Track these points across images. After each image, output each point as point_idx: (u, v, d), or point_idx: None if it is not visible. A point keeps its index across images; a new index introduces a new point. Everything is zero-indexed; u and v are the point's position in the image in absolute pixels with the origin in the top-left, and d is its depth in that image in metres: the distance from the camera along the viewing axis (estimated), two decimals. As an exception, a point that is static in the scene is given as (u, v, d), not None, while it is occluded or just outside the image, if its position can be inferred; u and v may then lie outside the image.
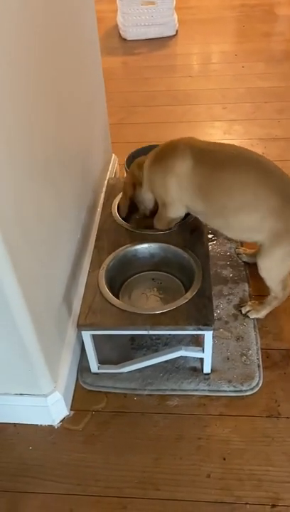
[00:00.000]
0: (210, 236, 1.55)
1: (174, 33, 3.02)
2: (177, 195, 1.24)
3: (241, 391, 1.17)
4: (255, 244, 1.29)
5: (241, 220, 1.18)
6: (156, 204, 1.34)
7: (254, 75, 2.55)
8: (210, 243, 1.53)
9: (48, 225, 1.07)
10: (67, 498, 1.03)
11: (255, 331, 1.30)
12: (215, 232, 1.59)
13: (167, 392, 1.19)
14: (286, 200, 1.12)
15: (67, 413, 1.16)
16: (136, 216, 1.40)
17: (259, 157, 1.19)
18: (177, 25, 3.03)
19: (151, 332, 1.13)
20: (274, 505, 1.00)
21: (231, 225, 1.22)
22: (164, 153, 1.24)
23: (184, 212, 1.30)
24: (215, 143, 1.26)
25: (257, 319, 1.33)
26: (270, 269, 1.22)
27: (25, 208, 0.93)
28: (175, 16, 3.01)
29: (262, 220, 1.14)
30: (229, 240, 1.56)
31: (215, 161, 1.18)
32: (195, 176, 1.19)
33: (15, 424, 1.16)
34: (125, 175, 1.42)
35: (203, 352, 1.16)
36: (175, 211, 1.29)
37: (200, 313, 1.10)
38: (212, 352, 1.18)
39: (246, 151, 1.20)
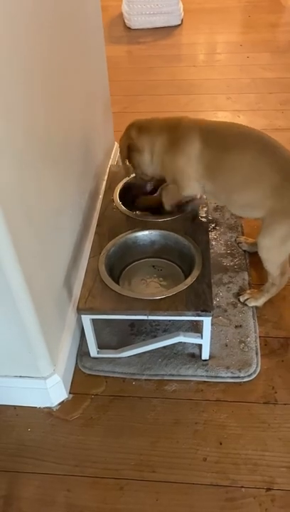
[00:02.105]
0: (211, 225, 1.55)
1: (179, 22, 3.00)
2: (194, 176, 1.24)
3: (238, 377, 1.18)
4: (255, 234, 1.29)
5: (244, 196, 1.19)
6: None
7: (258, 66, 2.53)
8: (210, 232, 1.54)
9: (50, 208, 1.08)
10: (65, 479, 1.05)
11: (254, 319, 1.31)
12: (215, 221, 1.59)
13: (165, 377, 1.20)
14: (288, 179, 1.13)
15: (66, 396, 1.17)
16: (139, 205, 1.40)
17: (265, 135, 1.20)
18: (182, 14, 3.01)
19: (150, 317, 1.14)
20: (268, 489, 1.01)
21: (234, 201, 1.23)
22: (177, 138, 1.23)
23: (199, 189, 1.29)
24: (224, 122, 1.27)
25: (256, 307, 1.33)
26: (270, 249, 1.22)
27: (27, 189, 0.93)
28: (181, 5, 2.99)
29: (264, 197, 1.15)
30: (231, 229, 1.57)
31: (221, 141, 1.19)
32: (204, 156, 1.20)
33: (14, 407, 1.17)
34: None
35: (202, 338, 1.17)
36: (192, 190, 1.29)
37: (199, 299, 1.11)
38: (211, 339, 1.19)
39: (252, 130, 1.21)
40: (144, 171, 1.36)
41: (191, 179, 1.25)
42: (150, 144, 1.28)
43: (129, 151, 1.31)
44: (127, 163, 1.35)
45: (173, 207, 1.35)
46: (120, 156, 1.37)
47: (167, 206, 1.35)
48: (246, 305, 1.33)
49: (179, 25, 3.00)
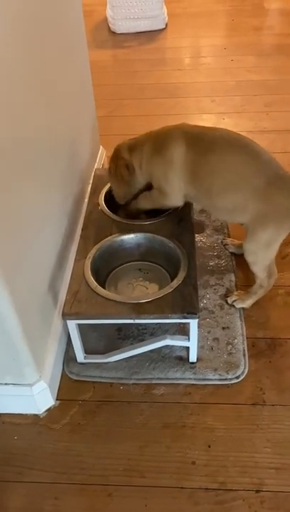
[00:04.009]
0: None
1: (164, 26, 3.01)
2: (178, 184, 1.24)
3: (226, 379, 1.18)
4: (242, 235, 1.29)
5: (226, 201, 1.19)
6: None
7: (243, 69, 2.55)
8: (197, 234, 1.54)
9: (32, 213, 1.06)
10: (53, 487, 1.03)
11: (241, 320, 1.31)
12: (201, 223, 1.60)
13: (153, 381, 1.19)
14: (271, 181, 1.13)
15: (53, 403, 1.16)
16: (124, 212, 1.39)
17: (247, 140, 1.20)
18: (167, 18, 3.03)
19: (137, 321, 1.13)
20: (258, 491, 1.00)
21: (217, 206, 1.23)
22: (161, 145, 1.23)
23: (182, 201, 1.29)
24: (205, 127, 1.26)
25: (243, 309, 1.33)
26: (255, 252, 1.22)
27: (6, 193, 0.92)
28: (165, 10, 3.00)
29: (246, 201, 1.15)
30: (217, 231, 1.57)
31: (202, 145, 1.19)
32: (188, 161, 1.20)
33: (0, 414, 1.15)
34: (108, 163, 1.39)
35: (189, 341, 1.17)
36: (174, 200, 1.29)
37: (186, 302, 1.10)
38: (198, 341, 1.18)
39: (235, 134, 1.21)
40: (136, 189, 1.35)
41: (176, 188, 1.25)
42: (139, 158, 1.28)
43: (128, 170, 1.30)
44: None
45: (141, 212, 1.35)
46: (119, 181, 1.33)
47: (135, 208, 1.34)
48: (233, 306, 1.33)
49: (163, 29, 3.02)
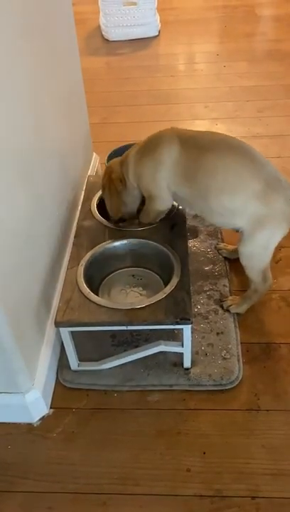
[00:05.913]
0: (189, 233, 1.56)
1: (157, 33, 3.03)
2: (166, 184, 1.24)
3: (221, 385, 1.17)
4: (235, 241, 1.29)
5: (223, 203, 1.18)
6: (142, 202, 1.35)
7: (235, 75, 2.57)
8: (190, 240, 1.54)
9: (23, 220, 1.06)
10: (46, 496, 1.02)
11: (235, 325, 1.30)
12: (195, 228, 1.60)
13: (147, 388, 1.18)
14: (269, 185, 1.13)
15: (47, 411, 1.15)
16: (124, 223, 1.38)
17: (243, 143, 1.20)
18: (159, 25, 3.05)
19: (130, 327, 1.12)
20: (253, 497, 1.00)
21: (213, 209, 1.21)
22: (151, 146, 1.24)
23: (171, 202, 1.30)
24: (197, 130, 1.27)
25: (238, 314, 1.33)
26: (251, 256, 1.21)
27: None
28: (158, 17, 3.03)
29: (244, 204, 1.15)
30: (210, 236, 1.57)
31: (200, 145, 1.19)
32: (182, 160, 1.20)
33: (-7, 423, 1.15)
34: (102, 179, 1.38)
35: (182, 346, 1.16)
36: (163, 203, 1.29)
37: (178, 308, 1.10)
38: (193, 346, 1.18)
39: (230, 137, 1.22)
40: (133, 204, 1.36)
41: (163, 189, 1.25)
42: (126, 166, 1.29)
43: (124, 184, 1.31)
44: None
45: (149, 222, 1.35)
46: (113, 195, 1.33)
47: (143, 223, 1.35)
48: (228, 311, 1.33)
49: (156, 36, 3.04)
